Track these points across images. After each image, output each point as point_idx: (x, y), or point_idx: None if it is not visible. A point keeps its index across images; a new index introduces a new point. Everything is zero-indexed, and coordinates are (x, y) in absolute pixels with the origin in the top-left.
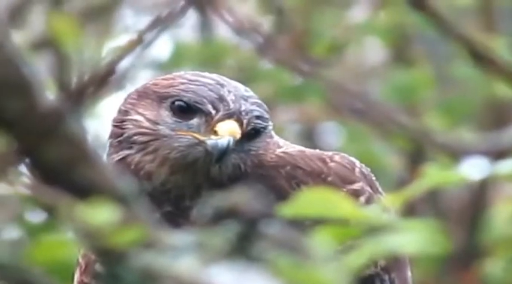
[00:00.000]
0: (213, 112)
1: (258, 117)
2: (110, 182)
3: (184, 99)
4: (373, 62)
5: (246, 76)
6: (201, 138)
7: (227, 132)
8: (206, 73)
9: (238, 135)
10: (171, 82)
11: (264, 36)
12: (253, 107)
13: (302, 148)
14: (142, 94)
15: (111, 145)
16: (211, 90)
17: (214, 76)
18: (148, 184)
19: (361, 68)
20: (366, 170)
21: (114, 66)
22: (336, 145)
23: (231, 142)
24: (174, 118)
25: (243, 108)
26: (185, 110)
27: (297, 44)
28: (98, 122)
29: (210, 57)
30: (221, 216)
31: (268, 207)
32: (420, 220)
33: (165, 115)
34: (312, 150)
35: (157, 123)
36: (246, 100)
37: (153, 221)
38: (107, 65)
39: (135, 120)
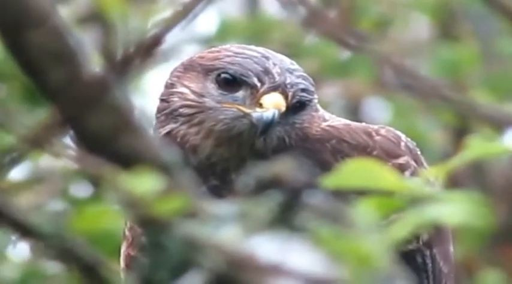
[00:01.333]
0: (259, 84)
1: (303, 90)
2: (154, 152)
3: (230, 71)
4: (419, 38)
5: (291, 51)
6: (246, 110)
7: (272, 104)
8: (252, 47)
9: (283, 108)
10: (216, 55)
11: (310, 9)
12: (299, 80)
13: (348, 121)
14: (188, 67)
15: (158, 119)
16: (256, 63)
17: (260, 49)
18: (194, 158)
19: (407, 43)
20: (412, 144)
21: (160, 38)
22: (381, 121)
23: (276, 115)
24: (220, 91)
25: (288, 80)
26: (231, 83)
27: (343, 19)
28: (143, 96)
29: (255, 31)
30: (264, 186)
31: (311, 177)
32: (464, 193)
33: (211, 87)
34: (357, 124)
35: (203, 95)
36: (291, 73)
37: (197, 192)
38: (153, 36)
39: (181, 93)
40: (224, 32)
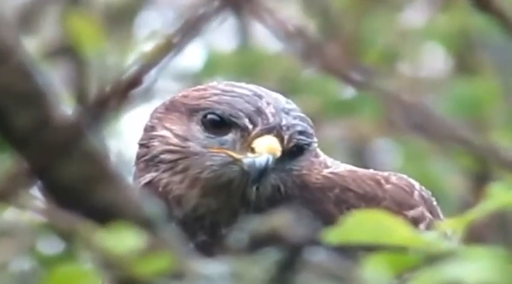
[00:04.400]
0: (250, 126)
1: (301, 132)
2: (134, 204)
3: (218, 111)
4: (432, 72)
5: (288, 88)
6: (237, 155)
7: (266, 149)
8: (242, 84)
9: (279, 153)
10: (202, 94)
11: (309, 41)
12: (296, 121)
13: (353, 168)
14: (171, 108)
15: (137, 167)
16: (247, 102)
17: (252, 86)
18: (179, 210)
19: (419, 78)
20: (426, 193)
21: (140, 76)
22: (391, 166)
23: (270, 161)
24: (206, 134)
25: (283, 122)
26: (218, 124)
27: (346, 51)
28: (121, 140)
29: (247, 66)
30: (259, 242)
31: (312, 232)
32: (486, 248)
33: (196, 130)
34: (364, 170)
35: (187, 139)
36: (287, 113)
37: (183, 249)
38: (132, 73)
39: (162, 136)
40: (212, 67)
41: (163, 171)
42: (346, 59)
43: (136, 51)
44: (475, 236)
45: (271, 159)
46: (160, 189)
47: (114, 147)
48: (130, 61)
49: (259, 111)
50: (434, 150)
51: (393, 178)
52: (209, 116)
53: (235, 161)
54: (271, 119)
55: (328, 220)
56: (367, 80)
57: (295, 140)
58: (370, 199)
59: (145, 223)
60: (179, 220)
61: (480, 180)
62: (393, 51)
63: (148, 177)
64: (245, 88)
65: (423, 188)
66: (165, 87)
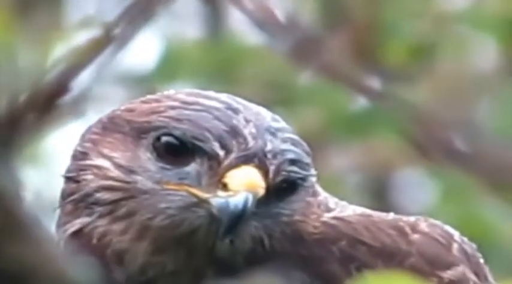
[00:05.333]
0: (221, 153)
1: (292, 162)
2: (56, 267)
3: (176, 132)
4: (480, 71)
5: (277, 97)
6: (203, 195)
7: (243, 185)
8: (210, 93)
9: (262, 190)
10: (154, 107)
11: (304, 32)
12: (286, 146)
13: (366, 211)
14: (110, 127)
15: (62, 210)
16: (217, 118)
17: (224, 96)
18: (121, 271)
19: (463, 80)
20: (470, 247)
21: (68, 80)
22: (422, 206)
23: (250, 202)
24: (160, 164)
25: (268, 146)
26: (177, 150)
27: (358, 45)
28: (42, 172)
29: (220, 64)
30: None
31: None
32: None
33: (146, 158)
34: (382, 214)
35: (133, 171)
36: (273, 134)
37: None
38: (57, 77)
39: (98, 167)
40: (171, 66)
41: (100, 216)
42: (357, 56)
43: (64, 45)
44: None
45: (250, 199)
46: (94, 241)
47: (31, 183)
48: (55, 59)
49: (235, 132)
50: (483, 186)
51: (423, 225)
52: (164, 139)
53: (201, 202)
54: (251, 143)
55: None
56: (387, 87)
57: (284, 173)
58: (389, 256)
59: None
60: None
61: None
62: (426, 44)
63: (77, 223)
64: (214, 98)
65: (465, 240)
66: (104, 95)
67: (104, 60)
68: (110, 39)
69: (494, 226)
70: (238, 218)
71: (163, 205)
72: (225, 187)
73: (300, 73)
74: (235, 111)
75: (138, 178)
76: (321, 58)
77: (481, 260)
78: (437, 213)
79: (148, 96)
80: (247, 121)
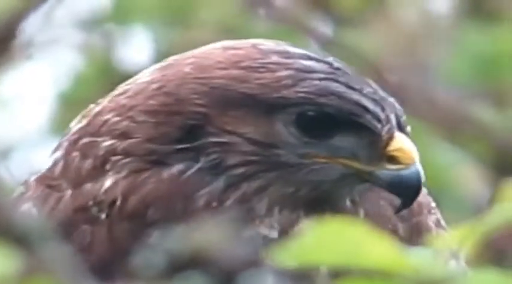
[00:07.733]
0: (379, 125)
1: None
2: (5, 216)
3: (329, 109)
4: (434, 16)
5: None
6: (364, 167)
7: (411, 157)
8: (300, 51)
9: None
10: (277, 78)
11: None
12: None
13: None
14: (222, 100)
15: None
16: (351, 88)
17: (333, 61)
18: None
19: (415, 25)
20: (423, 193)
21: (16, 25)
22: None
23: (421, 173)
24: (305, 139)
25: (398, 108)
26: (322, 124)
27: None
28: None
29: (175, 8)
30: (178, 266)
31: (253, 251)
32: (497, 270)
33: (287, 133)
34: None
35: (274, 146)
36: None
37: (71, 272)
38: (5, 23)
39: (227, 144)
40: (126, 9)
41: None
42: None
43: None
44: (490, 250)
45: (421, 170)
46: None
47: None
48: (2, 5)
49: (375, 101)
50: (438, 134)
51: None
52: (310, 114)
53: (361, 174)
54: (388, 109)
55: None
56: (338, 32)
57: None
58: None
59: (21, 240)
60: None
61: (500, 172)
62: None
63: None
64: (321, 61)
65: None
66: (58, 38)
67: (52, 4)
68: None
69: (446, 170)
70: (415, 192)
71: (314, 178)
72: (390, 159)
73: (254, 18)
74: (351, 76)
75: (281, 152)
76: (275, 3)
77: (433, 205)
78: None
79: (240, 58)
80: (367, 85)
